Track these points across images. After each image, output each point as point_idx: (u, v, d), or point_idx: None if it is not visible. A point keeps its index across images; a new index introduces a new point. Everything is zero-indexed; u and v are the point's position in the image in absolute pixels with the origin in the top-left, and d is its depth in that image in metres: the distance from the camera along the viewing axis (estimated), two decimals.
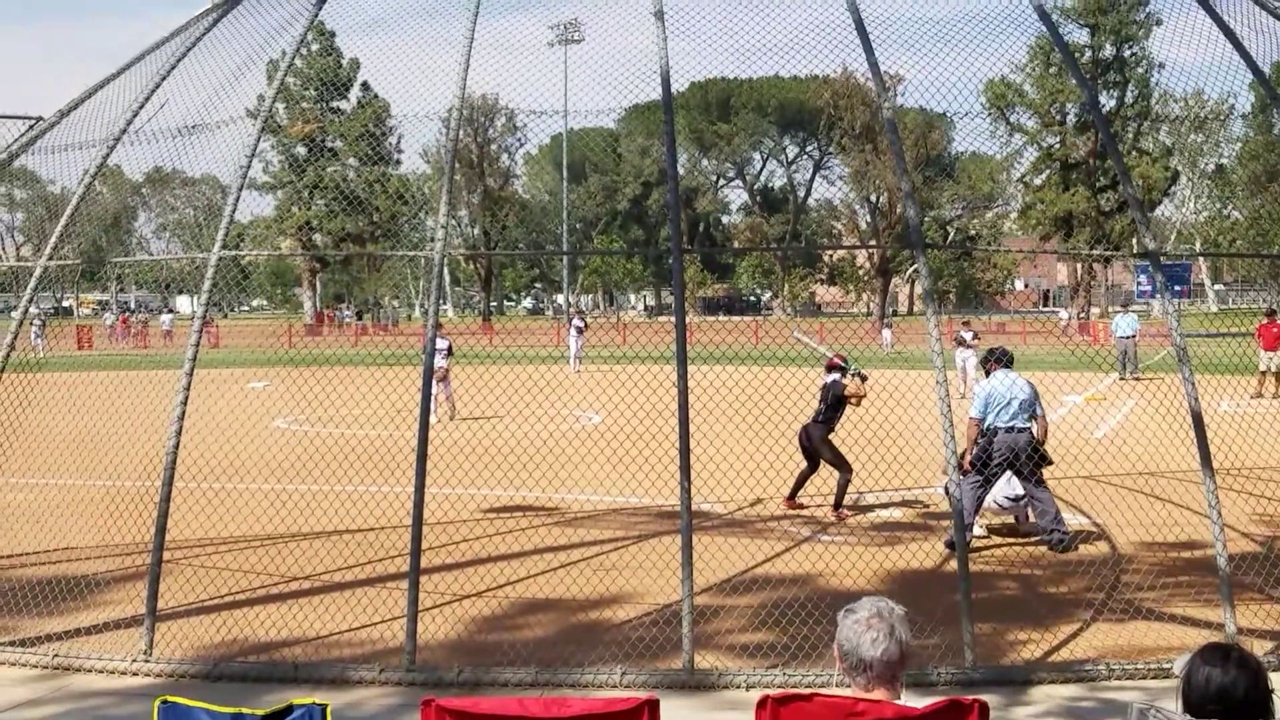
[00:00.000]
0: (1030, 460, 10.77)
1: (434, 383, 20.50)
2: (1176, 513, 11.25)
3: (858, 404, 12.78)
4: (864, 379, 13.00)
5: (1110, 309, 59.36)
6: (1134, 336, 29.90)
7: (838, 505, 12.72)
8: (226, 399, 19.20)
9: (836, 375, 13.05)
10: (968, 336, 26.86)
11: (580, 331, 36.93)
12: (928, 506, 13.12)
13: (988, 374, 11.46)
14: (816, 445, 12.86)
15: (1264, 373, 25.61)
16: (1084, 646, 7.97)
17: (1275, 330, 26.00)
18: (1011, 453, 10.79)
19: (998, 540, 11.41)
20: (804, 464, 13.08)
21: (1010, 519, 11.71)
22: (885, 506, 13.17)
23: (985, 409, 11.01)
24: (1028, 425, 10.97)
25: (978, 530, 11.29)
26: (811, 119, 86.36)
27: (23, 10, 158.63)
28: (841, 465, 12.66)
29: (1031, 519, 11.45)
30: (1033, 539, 11.37)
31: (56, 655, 7.79)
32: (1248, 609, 8.21)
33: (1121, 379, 28.14)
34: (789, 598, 8.48)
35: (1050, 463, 11.15)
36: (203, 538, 11.13)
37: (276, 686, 7.35)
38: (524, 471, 13.44)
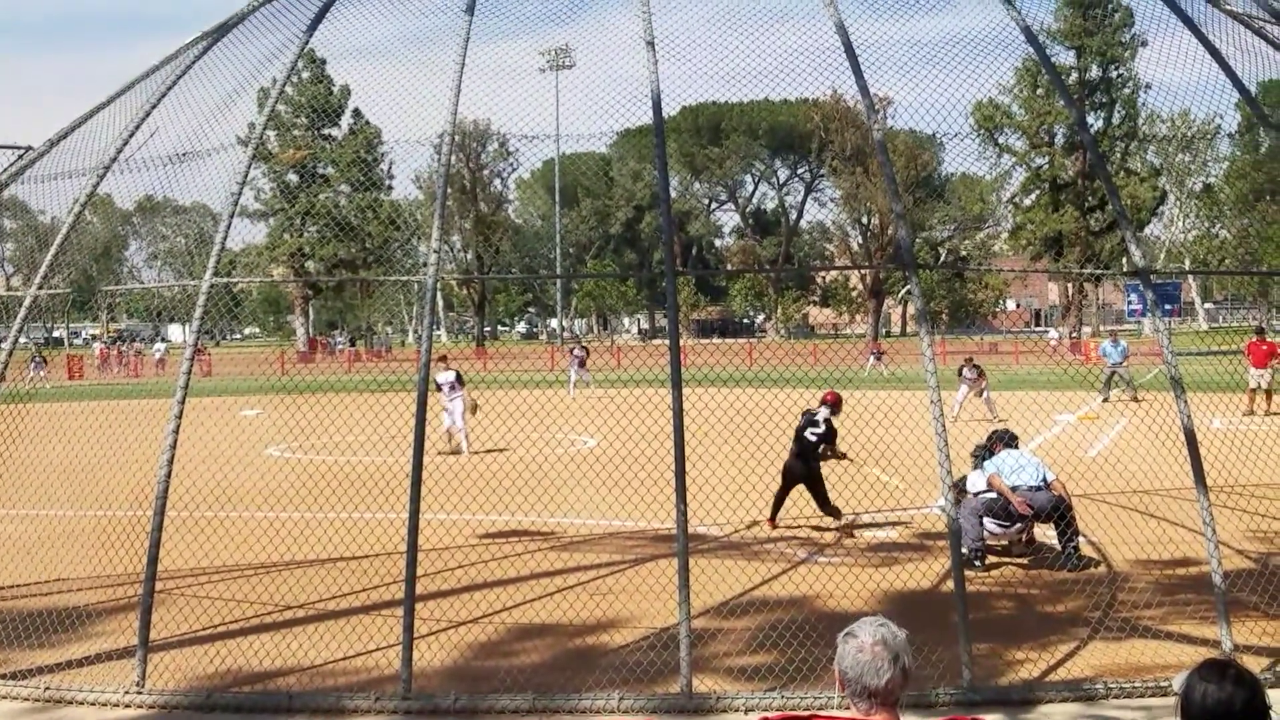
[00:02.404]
0: (1058, 518, 10.93)
1: (455, 414, 20.57)
2: (1171, 530, 11.24)
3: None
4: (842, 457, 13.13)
5: (1101, 329, 59.50)
6: (1124, 362, 29.91)
7: (838, 515, 12.80)
8: (219, 427, 19.16)
9: (826, 412, 13.06)
10: (971, 375, 26.84)
11: (582, 364, 36.16)
12: (922, 527, 13.09)
13: (991, 454, 11.70)
14: (810, 478, 12.84)
15: (1253, 390, 25.64)
16: (1082, 665, 7.95)
17: (1264, 348, 26.05)
18: (1030, 509, 10.99)
19: (993, 560, 11.38)
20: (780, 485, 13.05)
21: (1004, 542, 11.71)
22: (881, 526, 13.14)
23: (996, 468, 11.32)
24: (1041, 487, 11.17)
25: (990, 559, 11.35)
26: (802, 142, 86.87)
27: (12, 40, 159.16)
28: (834, 512, 12.77)
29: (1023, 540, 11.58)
30: (1027, 558, 11.40)
31: (48, 688, 7.73)
32: (1244, 625, 8.21)
33: (1104, 401, 28.11)
34: (786, 620, 8.45)
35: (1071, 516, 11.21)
36: (195, 567, 11.07)
37: (271, 717, 7.32)
38: (519, 496, 13.42)
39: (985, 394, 26.31)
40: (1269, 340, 26.45)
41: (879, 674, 3.55)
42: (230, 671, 8.06)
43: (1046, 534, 11.53)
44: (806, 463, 12.85)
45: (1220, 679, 3.41)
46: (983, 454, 11.84)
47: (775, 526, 12.96)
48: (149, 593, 7.87)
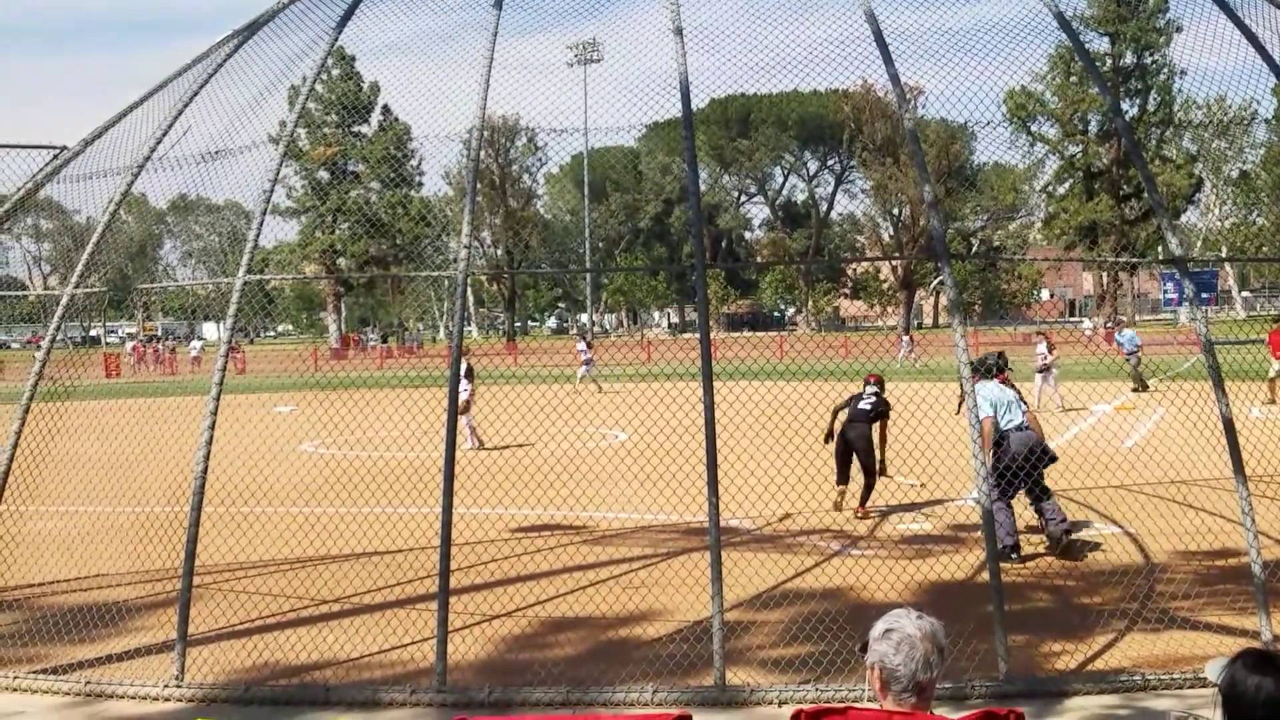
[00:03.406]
0: (1044, 456, 11.02)
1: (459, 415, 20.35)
2: (1210, 520, 11.14)
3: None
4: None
5: (1137, 318, 58.97)
6: (1137, 351, 29.55)
7: (864, 502, 13.38)
8: (253, 424, 19.29)
9: (875, 388, 13.67)
10: (1043, 348, 26.62)
11: (588, 361, 35.50)
12: (956, 519, 13.03)
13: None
14: (867, 442, 13.36)
15: (1274, 379, 24.99)
16: (1119, 657, 7.88)
17: None
18: (1027, 449, 10.96)
19: (1028, 550, 11.29)
20: (838, 470, 13.59)
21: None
22: (913, 508, 13.08)
23: (993, 410, 11.20)
24: (1026, 425, 11.21)
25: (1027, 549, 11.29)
26: (832, 133, 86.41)
27: (46, 41, 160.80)
28: (877, 471, 13.38)
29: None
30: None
31: (89, 682, 7.82)
32: None
33: (1144, 390, 27.82)
34: (820, 612, 8.43)
35: (1055, 459, 11.27)
36: (232, 562, 11.16)
37: (308, 710, 7.37)
38: (551, 490, 13.44)
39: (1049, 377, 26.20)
40: None
41: (930, 667, 3.52)
42: (268, 665, 8.13)
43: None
44: (865, 426, 13.40)
45: (1273, 670, 3.31)
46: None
47: (846, 506, 13.49)
48: (187, 587, 7.94)
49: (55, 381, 9.08)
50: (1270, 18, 8.70)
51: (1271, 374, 24.86)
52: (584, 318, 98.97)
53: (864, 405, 13.49)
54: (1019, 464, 10.76)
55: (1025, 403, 11.52)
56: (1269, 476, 10.70)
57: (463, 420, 20.61)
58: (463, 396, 20.67)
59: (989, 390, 11.34)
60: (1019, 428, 11.13)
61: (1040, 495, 11.08)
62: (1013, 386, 12.03)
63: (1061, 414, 24.20)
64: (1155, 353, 33.81)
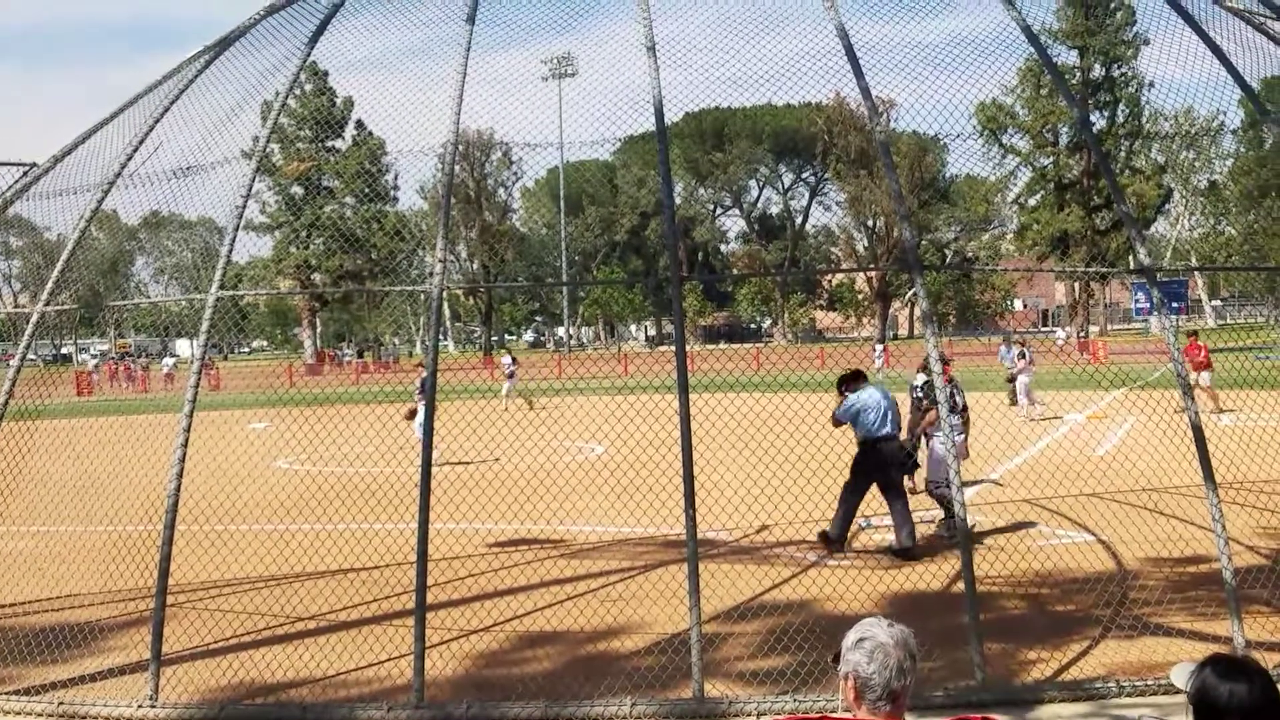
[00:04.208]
0: (901, 467, 11.77)
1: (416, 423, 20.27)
2: (1181, 528, 11.23)
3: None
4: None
5: (1109, 327, 59.33)
6: (1017, 366, 29.61)
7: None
8: (228, 441, 19.18)
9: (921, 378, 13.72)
10: (1017, 357, 26.75)
11: (512, 375, 34.58)
12: (930, 529, 13.08)
13: (842, 390, 12.19)
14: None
15: (1210, 389, 24.93)
16: (1093, 664, 7.94)
17: (1201, 355, 25.55)
18: (888, 461, 11.60)
19: (1005, 558, 11.34)
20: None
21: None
22: (889, 527, 13.12)
23: (854, 417, 11.80)
24: (895, 435, 11.76)
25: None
26: (806, 145, 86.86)
27: (13, 56, 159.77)
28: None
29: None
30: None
31: (62, 703, 7.75)
32: (1255, 621, 8.20)
33: (1012, 404, 27.90)
34: (797, 623, 8.45)
35: (918, 466, 11.73)
36: (206, 580, 11.09)
37: None
38: (528, 504, 13.42)
39: (1023, 380, 26.30)
40: (1201, 343, 26.30)
41: (904, 674, 3.55)
42: (243, 684, 8.08)
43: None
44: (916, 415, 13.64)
45: (1244, 677, 3.33)
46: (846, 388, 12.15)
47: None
48: (161, 606, 7.89)
49: (22, 399, 9.01)
50: (1235, 30, 8.82)
51: (1202, 384, 24.79)
52: (561, 331, 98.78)
53: (918, 395, 13.68)
54: (880, 470, 11.50)
55: (961, 411, 11.96)
56: (1239, 483, 10.80)
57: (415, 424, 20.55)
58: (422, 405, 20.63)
59: (863, 396, 11.83)
60: (887, 438, 11.64)
61: (894, 498, 11.64)
62: (954, 385, 12.31)
63: (1028, 424, 24.29)
64: (1125, 361, 34.10)
